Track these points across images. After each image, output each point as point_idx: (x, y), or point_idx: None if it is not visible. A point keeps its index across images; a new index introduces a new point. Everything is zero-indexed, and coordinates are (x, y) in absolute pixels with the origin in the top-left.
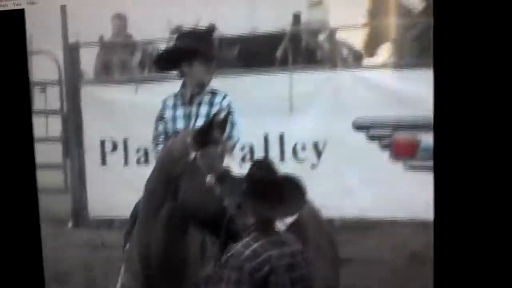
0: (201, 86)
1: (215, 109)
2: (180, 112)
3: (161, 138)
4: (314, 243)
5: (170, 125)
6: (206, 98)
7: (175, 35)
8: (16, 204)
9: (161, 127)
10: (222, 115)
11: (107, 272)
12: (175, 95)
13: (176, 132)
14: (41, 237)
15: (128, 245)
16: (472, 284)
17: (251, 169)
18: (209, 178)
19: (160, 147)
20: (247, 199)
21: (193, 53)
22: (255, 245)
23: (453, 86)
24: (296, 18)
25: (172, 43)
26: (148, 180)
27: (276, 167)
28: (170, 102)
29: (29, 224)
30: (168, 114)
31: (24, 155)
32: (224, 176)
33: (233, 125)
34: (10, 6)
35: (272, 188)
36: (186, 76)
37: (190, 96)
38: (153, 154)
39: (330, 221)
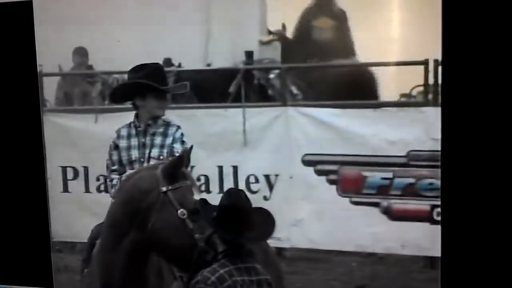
0: (154, 118)
1: (169, 140)
2: (134, 142)
3: (115, 167)
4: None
5: (124, 154)
6: (160, 129)
7: (130, 69)
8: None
9: (115, 157)
10: (186, 150)
11: None
12: (129, 125)
13: (130, 162)
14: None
15: (85, 271)
16: None
17: (224, 196)
18: (181, 212)
19: (115, 175)
20: (218, 226)
21: (145, 88)
22: (221, 271)
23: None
24: (249, 55)
25: (126, 77)
26: (111, 210)
27: (246, 197)
28: (124, 132)
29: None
30: (122, 143)
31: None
32: (196, 211)
33: None
34: None
35: (244, 215)
36: (139, 108)
37: (145, 126)
38: (108, 182)
39: (280, 252)
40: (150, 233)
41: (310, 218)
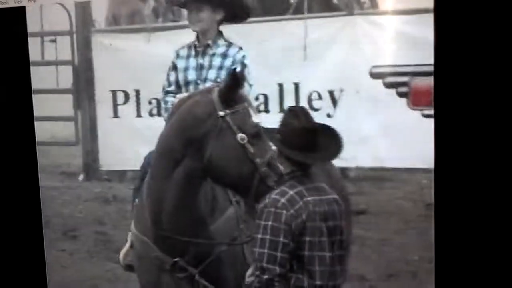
0: (214, 38)
1: (228, 61)
2: (192, 62)
3: (172, 87)
4: None
5: (181, 76)
6: (220, 49)
7: None
8: (15, 157)
9: (172, 77)
10: (241, 71)
11: (119, 226)
12: (189, 46)
13: (187, 83)
14: (40, 195)
15: (137, 200)
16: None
17: (287, 115)
18: (240, 137)
19: (170, 98)
20: (285, 146)
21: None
22: (291, 192)
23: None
24: None
25: None
26: (164, 136)
27: (310, 114)
28: (184, 52)
29: (28, 180)
30: (181, 64)
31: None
32: (256, 134)
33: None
34: (11, 4)
35: (310, 134)
36: (194, 21)
37: (204, 46)
38: (162, 104)
39: (345, 172)
40: (207, 161)
41: (377, 135)
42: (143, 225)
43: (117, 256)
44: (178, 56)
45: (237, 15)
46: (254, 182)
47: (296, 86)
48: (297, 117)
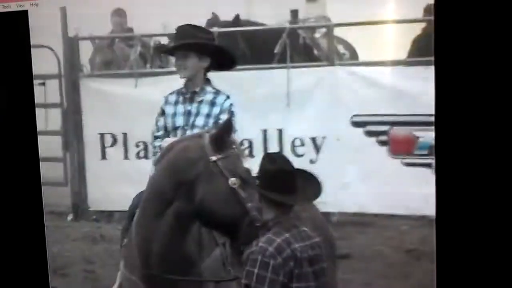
0: (202, 86)
1: (216, 110)
2: (180, 108)
3: (160, 132)
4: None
5: (169, 121)
6: (208, 97)
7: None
8: (19, 197)
9: (160, 122)
10: (227, 118)
11: (107, 265)
12: (178, 92)
13: (175, 128)
14: (45, 231)
15: (125, 240)
16: (473, 279)
17: (265, 161)
18: (232, 181)
19: (158, 142)
20: (263, 190)
21: (188, 46)
22: (278, 240)
23: (454, 83)
24: (294, 14)
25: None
26: (154, 179)
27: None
28: (172, 99)
29: (33, 218)
30: (169, 110)
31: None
32: (247, 179)
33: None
34: (14, 8)
35: (286, 176)
36: (181, 69)
37: (191, 94)
38: (151, 148)
39: (328, 216)
40: (198, 204)
41: (358, 181)
42: (131, 264)
43: None
44: (166, 102)
45: (223, 63)
46: (243, 226)
47: (280, 132)
48: (273, 161)
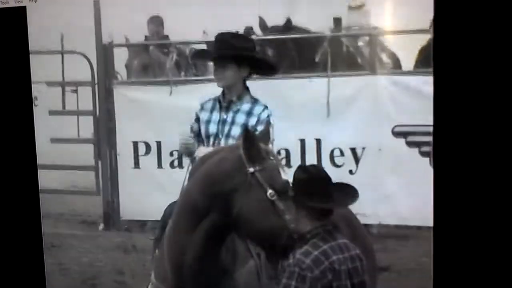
0: (239, 95)
1: (253, 119)
2: (215, 116)
3: (192, 140)
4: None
5: (203, 128)
6: (245, 106)
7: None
8: (18, 204)
9: (195, 128)
10: (263, 128)
11: (138, 275)
12: (214, 99)
13: (208, 136)
14: (42, 239)
15: (157, 251)
16: None
17: (296, 173)
18: (270, 193)
19: (192, 146)
20: (298, 198)
21: (227, 56)
22: (315, 253)
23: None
24: (337, 22)
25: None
26: (188, 191)
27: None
28: (208, 105)
29: (31, 225)
30: (203, 116)
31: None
32: (286, 190)
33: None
34: (12, 3)
35: (322, 183)
36: (220, 78)
37: (228, 102)
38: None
39: (368, 228)
40: (236, 215)
41: (399, 193)
42: (162, 276)
43: None
44: (202, 108)
45: (263, 71)
46: (282, 238)
47: (318, 142)
48: (305, 170)
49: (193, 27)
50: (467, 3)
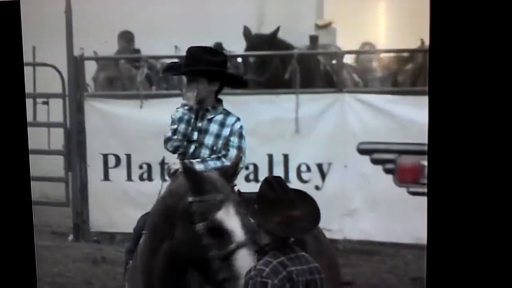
0: (214, 105)
1: (226, 131)
2: (192, 124)
3: (175, 137)
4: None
5: (183, 131)
6: (218, 117)
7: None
8: (10, 215)
9: (173, 128)
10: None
11: (107, 287)
12: (189, 108)
13: (190, 142)
14: (35, 250)
15: (130, 262)
16: None
17: (262, 187)
18: (199, 226)
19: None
20: (259, 219)
21: (199, 72)
22: (274, 262)
23: (448, 113)
24: (313, 39)
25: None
26: (152, 212)
27: (286, 185)
28: (185, 111)
29: (24, 237)
30: (181, 121)
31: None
32: (214, 229)
33: (240, 150)
34: None
35: (285, 207)
36: (192, 91)
37: (204, 110)
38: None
39: (333, 243)
40: (176, 241)
41: (364, 209)
42: (136, 287)
43: None
44: (178, 112)
45: (234, 85)
46: (209, 272)
47: (286, 157)
48: (272, 188)
49: (165, 41)
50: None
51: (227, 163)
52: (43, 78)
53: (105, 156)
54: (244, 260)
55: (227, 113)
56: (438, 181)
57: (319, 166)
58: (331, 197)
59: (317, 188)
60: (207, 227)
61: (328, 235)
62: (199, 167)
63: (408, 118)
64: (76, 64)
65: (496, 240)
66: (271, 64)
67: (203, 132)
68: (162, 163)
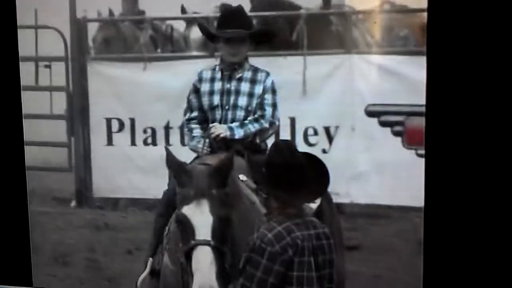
0: (240, 62)
1: (258, 88)
2: (218, 86)
3: (194, 114)
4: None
5: (206, 99)
6: (248, 74)
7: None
8: (4, 181)
9: (193, 102)
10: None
11: (110, 253)
12: (213, 68)
13: (212, 108)
14: (28, 217)
15: (167, 228)
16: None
17: (271, 151)
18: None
19: (194, 125)
20: (268, 184)
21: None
22: (279, 228)
23: (446, 74)
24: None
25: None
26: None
27: (296, 149)
28: (207, 75)
29: (17, 203)
30: (204, 87)
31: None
32: (179, 222)
33: (275, 107)
34: None
35: (294, 172)
36: (235, 54)
37: (231, 70)
38: (186, 130)
39: (340, 207)
40: None
41: (371, 172)
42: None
43: (106, 283)
44: (200, 79)
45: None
46: None
47: (292, 120)
48: (281, 152)
49: (171, 1)
50: None
51: (265, 124)
52: (45, 41)
53: (109, 121)
54: (201, 259)
55: (255, 69)
56: (436, 143)
57: (326, 129)
58: (338, 160)
59: (324, 151)
60: (174, 219)
61: (335, 199)
62: (238, 133)
63: (418, 79)
64: (79, 26)
65: (496, 206)
66: (277, 25)
67: (234, 93)
68: (167, 127)
